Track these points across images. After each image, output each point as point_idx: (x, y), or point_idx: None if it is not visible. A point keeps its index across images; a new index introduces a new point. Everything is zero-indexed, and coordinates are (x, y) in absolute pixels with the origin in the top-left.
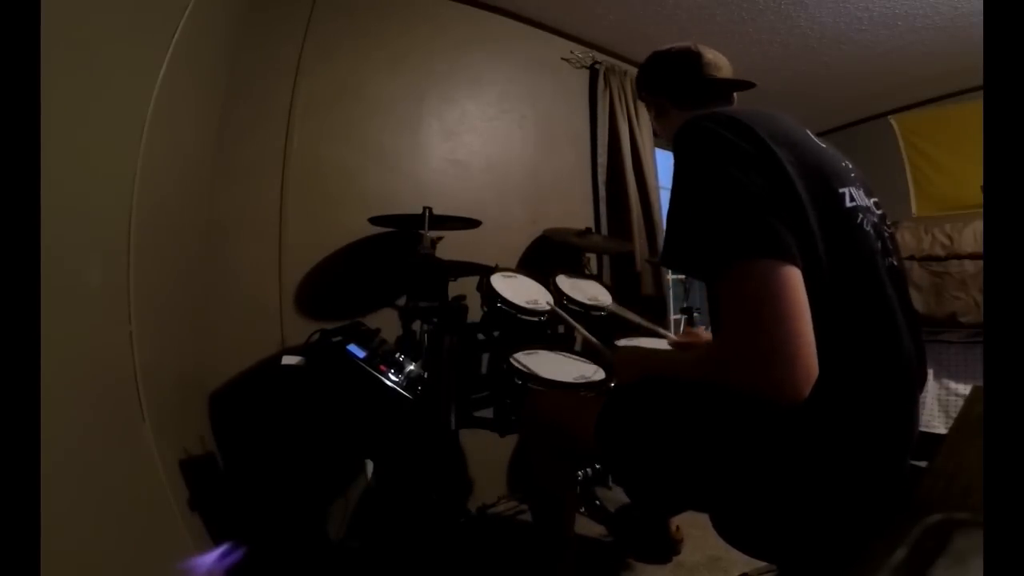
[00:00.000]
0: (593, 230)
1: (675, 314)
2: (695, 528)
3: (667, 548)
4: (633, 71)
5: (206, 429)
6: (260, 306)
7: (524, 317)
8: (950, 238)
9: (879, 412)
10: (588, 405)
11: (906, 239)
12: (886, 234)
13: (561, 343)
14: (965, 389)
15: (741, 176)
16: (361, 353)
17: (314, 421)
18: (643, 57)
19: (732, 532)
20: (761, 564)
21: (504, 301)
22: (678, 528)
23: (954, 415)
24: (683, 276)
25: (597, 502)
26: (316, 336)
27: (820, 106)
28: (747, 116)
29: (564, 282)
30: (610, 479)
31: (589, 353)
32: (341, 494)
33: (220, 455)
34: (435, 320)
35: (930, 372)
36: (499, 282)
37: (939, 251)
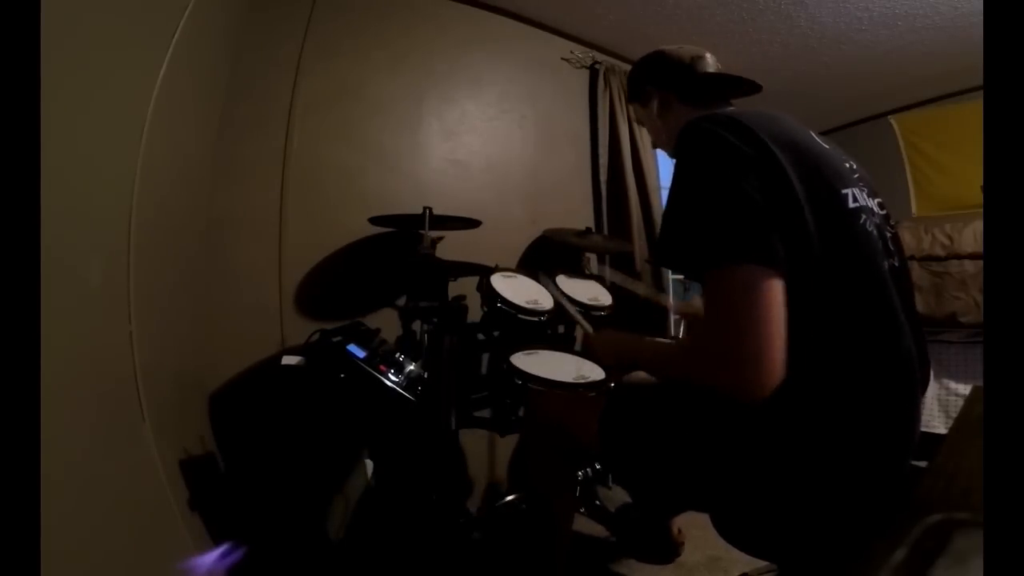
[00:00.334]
0: (593, 230)
1: (675, 314)
2: (695, 528)
3: (668, 550)
4: None
5: (206, 429)
6: (260, 306)
7: (524, 317)
8: (950, 238)
9: (880, 413)
10: (588, 405)
11: (906, 239)
12: (889, 235)
13: (561, 343)
14: (965, 389)
15: (738, 180)
16: (361, 353)
17: (314, 421)
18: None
19: (733, 532)
20: (761, 564)
21: (504, 301)
22: (680, 531)
23: (954, 415)
24: (683, 276)
25: (597, 502)
26: (316, 336)
27: (820, 106)
28: (749, 117)
29: (564, 282)
30: (610, 479)
31: (587, 354)
32: (341, 494)
33: (220, 455)
34: (435, 320)
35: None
36: (499, 282)
37: (939, 251)
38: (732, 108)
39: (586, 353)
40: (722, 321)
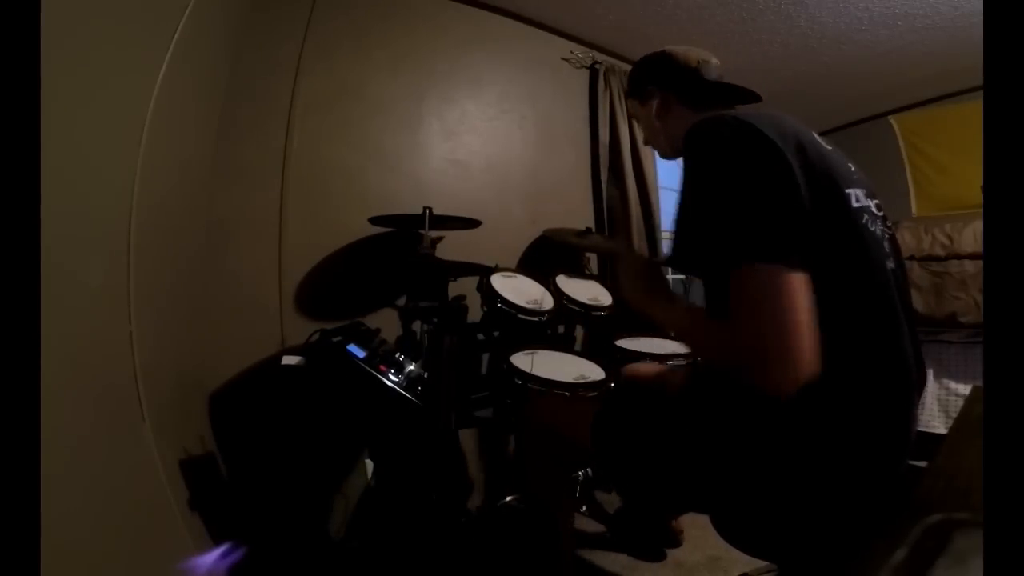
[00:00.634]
0: (593, 230)
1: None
2: (695, 528)
3: (668, 540)
4: None
5: (206, 429)
6: (260, 306)
7: (524, 317)
8: (950, 238)
9: (879, 413)
10: (585, 408)
11: (906, 239)
12: (887, 236)
13: (561, 343)
14: (965, 389)
15: (753, 181)
16: (361, 353)
17: (314, 421)
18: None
19: (733, 532)
20: (761, 564)
21: (504, 301)
22: (678, 520)
23: (954, 415)
24: (683, 276)
25: (597, 502)
26: (316, 336)
27: (820, 106)
28: (756, 118)
29: (564, 282)
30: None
31: (592, 349)
32: (341, 494)
33: (220, 455)
34: (435, 320)
35: (930, 372)
36: (499, 282)
37: (939, 251)
38: (736, 110)
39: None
40: (751, 320)
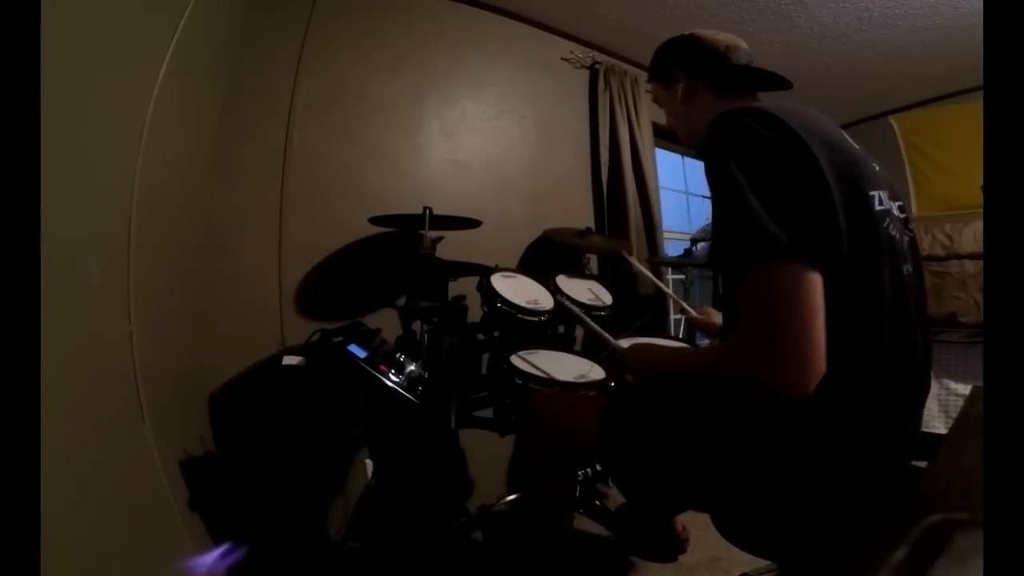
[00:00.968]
0: (593, 230)
1: (675, 314)
2: (695, 528)
3: (672, 547)
4: (633, 71)
5: (206, 429)
6: (260, 306)
7: (524, 317)
8: (950, 238)
9: (885, 415)
10: (587, 406)
11: None
12: (907, 239)
13: (561, 343)
14: (965, 389)
15: (777, 177)
16: (362, 353)
17: (314, 421)
18: (643, 57)
19: (734, 530)
20: (762, 564)
21: (504, 301)
22: (684, 527)
23: (954, 415)
24: (683, 276)
25: (597, 502)
26: (316, 336)
27: (820, 106)
28: (784, 112)
29: (564, 282)
30: (610, 480)
31: (592, 348)
32: (341, 494)
33: (220, 455)
34: (435, 320)
35: None
36: (499, 282)
37: (939, 251)
38: (759, 102)
39: (617, 366)
40: (763, 320)
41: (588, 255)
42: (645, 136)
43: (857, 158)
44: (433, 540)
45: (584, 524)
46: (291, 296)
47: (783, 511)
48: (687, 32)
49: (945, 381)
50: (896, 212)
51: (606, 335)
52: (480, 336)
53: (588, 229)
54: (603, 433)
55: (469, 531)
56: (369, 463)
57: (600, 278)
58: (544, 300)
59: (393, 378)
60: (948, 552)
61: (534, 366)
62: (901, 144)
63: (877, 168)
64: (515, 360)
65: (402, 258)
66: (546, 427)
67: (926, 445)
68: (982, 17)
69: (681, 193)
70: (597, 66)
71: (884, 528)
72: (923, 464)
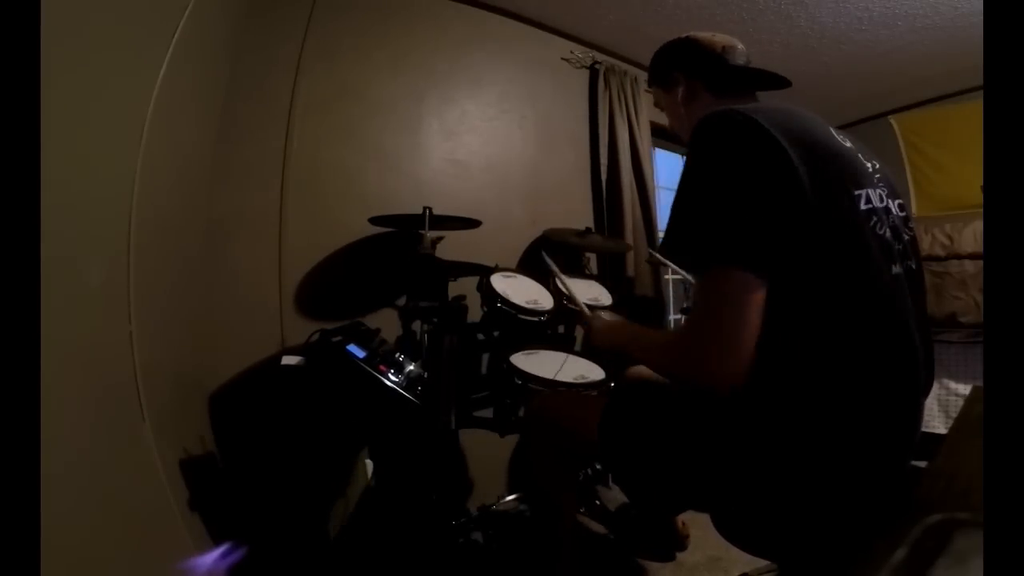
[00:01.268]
0: (593, 230)
1: (675, 314)
2: (695, 528)
3: (673, 543)
4: (633, 71)
5: (206, 429)
6: (260, 306)
7: (524, 317)
8: (950, 238)
9: (881, 414)
10: (588, 405)
11: None
12: (907, 237)
13: (561, 343)
14: (965, 389)
15: (741, 181)
16: (361, 353)
17: (314, 421)
18: (643, 57)
19: (734, 530)
20: (762, 564)
21: (504, 301)
22: (684, 524)
23: (954, 415)
24: (682, 276)
25: (597, 502)
26: (316, 336)
27: (820, 106)
28: (764, 114)
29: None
30: (610, 479)
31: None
32: (341, 494)
33: (220, 455)
34: (435, 320)
35: None
36: (499, 282)
37: (939, 251)
38: (755, 102)
39: (586, 343)
40: (701, 324)
41: (588, 255)
42: (644, 136)
43: (845, 157)
44: (433, 540)
45: (584, 523)
46: (291, 296)
47: (783, 511)
48: (684, 35)
49: (945, 381)
50: (896, 210)
51: (578, 299)
52: (480, 336)
53: (588, 229)
54: (604, 432)
55: (469, 531)
56: (369, 463)
57: (600, 278)
58: (544, 300)
59: (392, 378)
60: (948, 552)
61: (534, 366)
62: (901, 144)
63: (875, 166)
64: (515, 360)
65: (402, 258)
66: (549, 426)
67: (926, 445)
68: (982, 17)
69: None
70: (597, 66)
71: (884, 528)
72: (923, 464)
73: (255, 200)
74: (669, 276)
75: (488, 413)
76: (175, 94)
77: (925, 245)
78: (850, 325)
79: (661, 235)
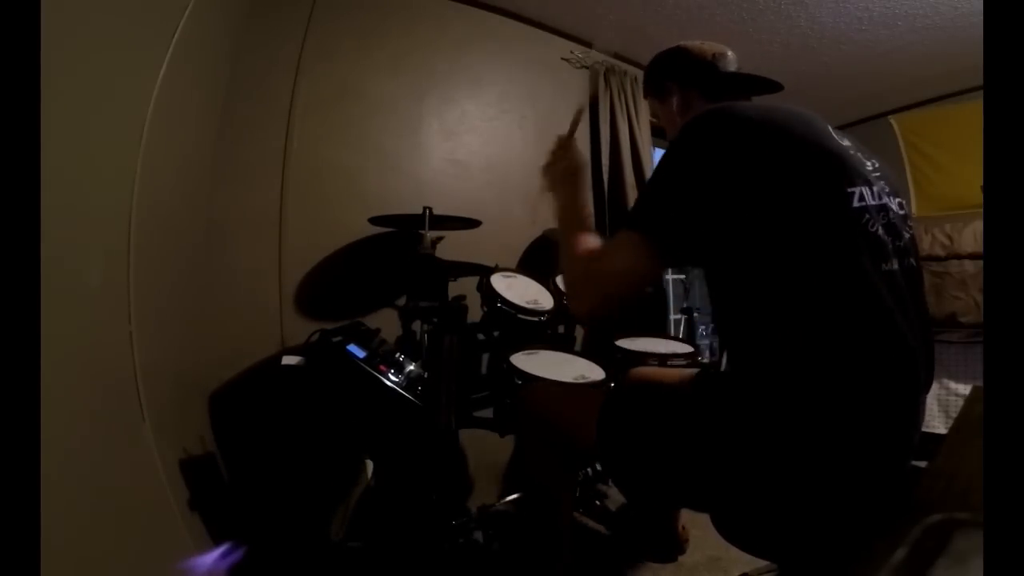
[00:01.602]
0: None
1: (675, 314)
2: (695, 528)
3: (673, 547)
4: (633, 71)
5: (206, 429)
6: (260, 306)
7: (524, 317)
8: (950, 238)
9: (879, 413)
10: (585, 403)
11: None
12: (906, 235)
13: (561, 343)
14: (965, 389)
15: (688, 161)
16: (361, 353)
17: (314, 421)
18: (643, 57)
19: (734, 530)
20: (761, 564)
21: (504, 301)
22: (684, 527)
23: (954, 415)
24: (683, 276)
25: (597, 502)
26: (316, 336)
27: (820, 106)
28: (751, 110)
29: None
30: (609, 479)
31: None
32: (341, 494)
33: (220, 455)
34: (435, 320)
35: None
36: (499, 282)
37: (939, 251)
38: (745, 102)
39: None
40: (602, 265)
41: None
42: (644, 136)
43: (839, 155)
44: (433, 540)
45: (584, 524)
46: (291, 296)
47: (783, 511)
48: (674, 45)
49: (945, 381)
50: (894, 208)
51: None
52: (480, 336)
53: None
54: (603, 431)
55: (469, 531)
56: (369, 463)
57: None
58: (544, 300)
59: (392, 378)
60: (948, 552)
61: (534, 366)
62: (901, 144)
63: (875, 164)
64: (515, 360)
65: (402, 258)
66: (545, 423)
67: (926, 445)
68: (982, 17)
69: None
70: (597, 66)
71: (884, 528)
72: (923, 464)
73: (255, 200)
74: (669, 275)
75: (488, 413)
76: (175, 94)
77: (925, 245)
78: (835, 321)
79: None
